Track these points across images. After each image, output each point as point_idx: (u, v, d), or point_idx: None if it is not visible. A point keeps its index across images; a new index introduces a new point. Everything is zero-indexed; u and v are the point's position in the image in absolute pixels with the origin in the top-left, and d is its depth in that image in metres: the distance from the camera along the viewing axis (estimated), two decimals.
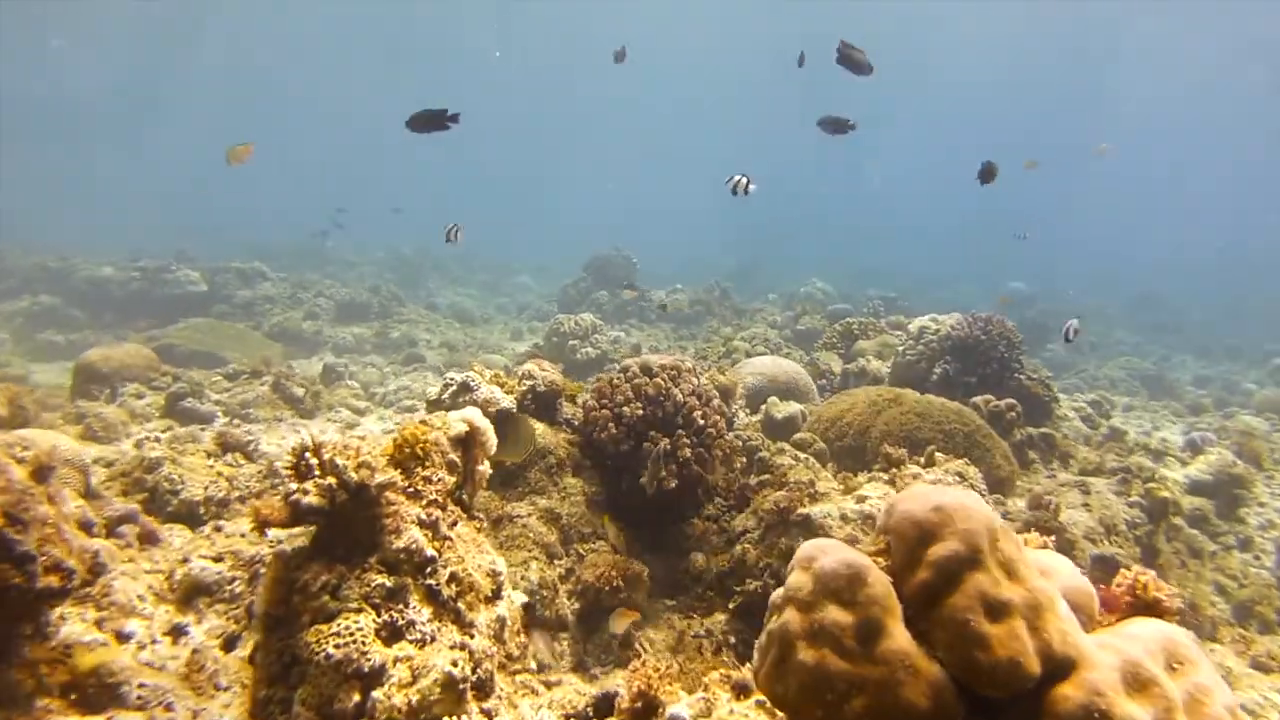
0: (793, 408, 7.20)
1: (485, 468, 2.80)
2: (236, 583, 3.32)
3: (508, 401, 4.73)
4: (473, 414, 2.75)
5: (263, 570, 3.22)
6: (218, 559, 3.33)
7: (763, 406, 7.31)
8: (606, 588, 4.21)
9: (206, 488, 4.75)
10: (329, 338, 15.58)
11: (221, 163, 7.73)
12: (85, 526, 3.38)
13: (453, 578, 2.47)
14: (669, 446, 4.64)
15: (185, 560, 3.31)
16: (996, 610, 1.58)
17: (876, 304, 16.46)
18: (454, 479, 2.67)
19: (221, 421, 7.57)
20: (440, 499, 2.57)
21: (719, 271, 24.22)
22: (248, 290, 17.81)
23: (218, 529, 3.77)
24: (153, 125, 56.80)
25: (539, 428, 4.75)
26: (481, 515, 2.80)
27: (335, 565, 2.34)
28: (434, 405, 4.79)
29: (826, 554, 1.71)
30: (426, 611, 2.38)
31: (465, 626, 2.44)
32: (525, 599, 2.81)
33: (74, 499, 3.48)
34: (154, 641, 2.96)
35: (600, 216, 51.71)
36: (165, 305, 15.88)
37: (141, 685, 2.64)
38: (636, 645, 4.26)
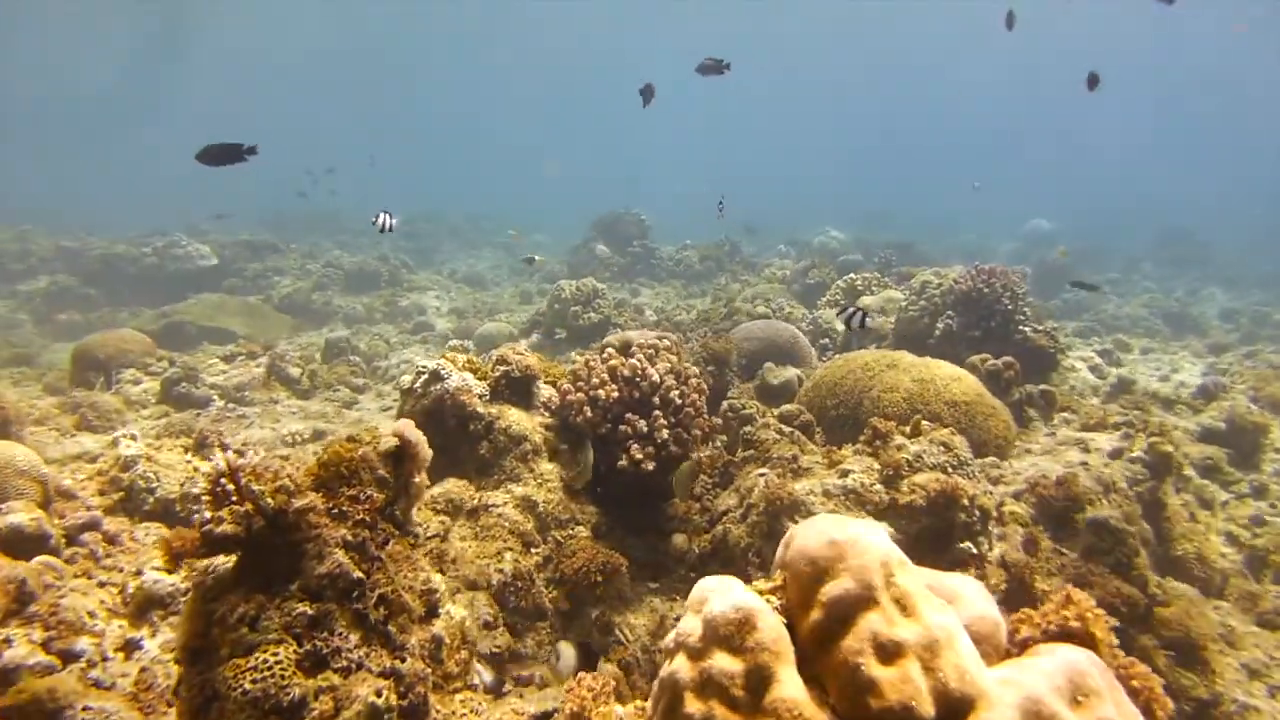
0: (789, 373, 7.08)
1: (421, 479, 2.72)
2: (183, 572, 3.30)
3: (480, 388, 4.66)
4: (404, 426, 2.67)
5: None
6: (171, 570, 3.31)
7: (759, 372, 7.19)
8: (585, 583, 4.16)
9: (183, 484, 4.74)
10: (339, 308, 15.59)
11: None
12: (39, 540, 3.36)
13: (381, 600, 2.41)
14: (645, 429, 4.56)
15: (139, 573, 3.29)
16: (889, 651, 1.49)
17: (888, 254, 16.15)
18: (384, 495, 2.60)
19: (217, 405, 7.59)
20: (369, 518, 2.50)
21: (731, 222, 23.89)
22: (258, 263, 17.87)
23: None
24: (167, 111, 56.79)
25: (513, 414, 4.67)
26: (418, 529, 2.73)
27: (254, 595, 2.29)
28: (407, 394, 4.73)
29: (716, 596, 1.62)
30: (354, 637, 2.33)
31: (396, 650, 2.39)
32: (464, 614, 2.75)
33: (29, 511, 3.46)
34: (104, 659, 2.94)
35: (617, 170, 51.29)
36: (178, 280, 15.99)
37: (86, 709, 2.63)
38: (617, 632, 4.22)
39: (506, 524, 4.31)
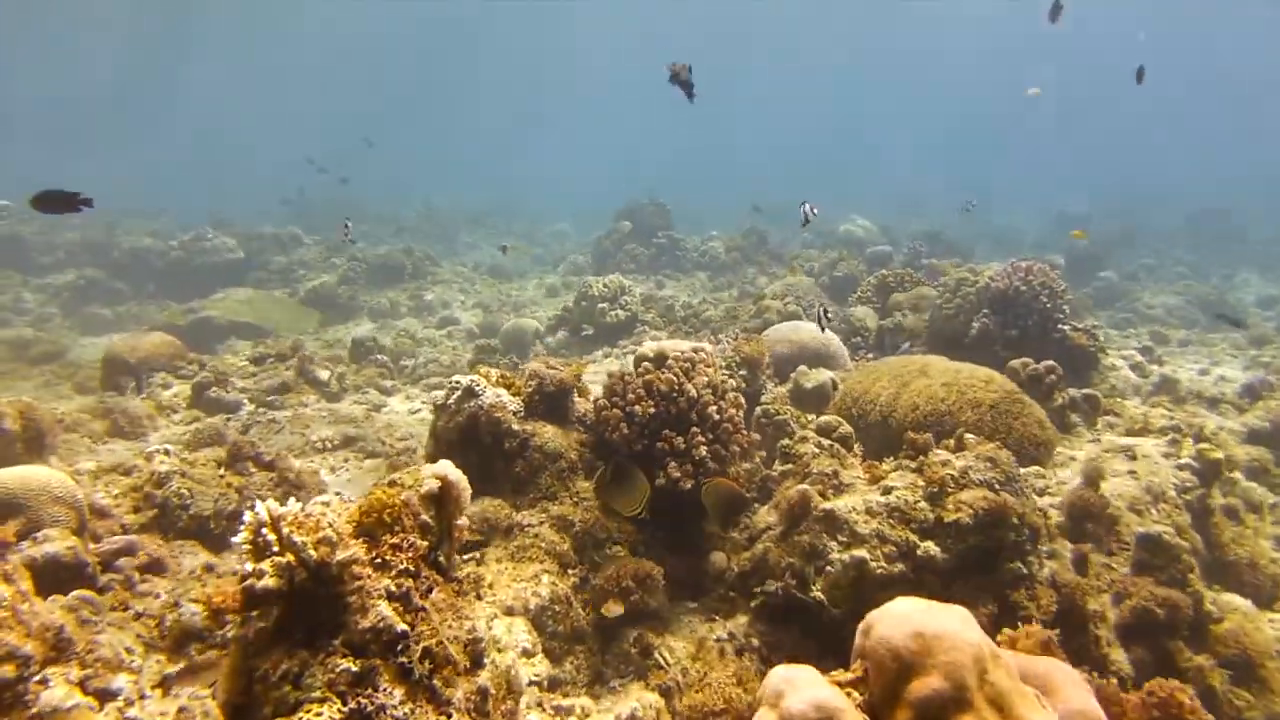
0: (822, 375, 6.95)
1: (464, 521, 2.64)
2: (229, 627, 3.23)
3: (514, 404, 4.57)
4: (445, 468, 2.58)
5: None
6: (213, 625, 3.25)
7: (792, 375, 7.06)
8: (615, 589, 4.07)
9: (216, 500, 4.69)
10: (364, 303, 15.59)
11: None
12: (76, 569, 3.32)
13: (426, 653, 2.33)
14: (683, 447, 4.46)
15: (176, 604, 3.23)
16: None
17: (918, 245, 15.90)
18: (427, 542, 2.52)
19: (248, 410, 7.56)
20: (412, 566, 2.42)
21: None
22: (283, 256, 17.90)
23: (209, 569, 3.69)
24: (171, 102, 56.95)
25: (548, 430, 4.59)
26: (459, 577, 2.64)
27: (297, 651, 2.21)
28: (440, 410, 4.65)
29: (796, 691, 1.52)
30: (398, 693, 2.25)
31: (441, 706, 2.31)
32: (510, 659, 2.67)
33: (65, 540, 3.41)
34: (142, 697, 2.89)
35: (641, 158, 51.00)
36: (204, 274, 16.04)
37: None
38: (656, 655, 4.14)
39: (543, 544, 4.23)
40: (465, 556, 3.93)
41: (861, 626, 1.63)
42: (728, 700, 3.75)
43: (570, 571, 4.26)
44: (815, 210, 6.20)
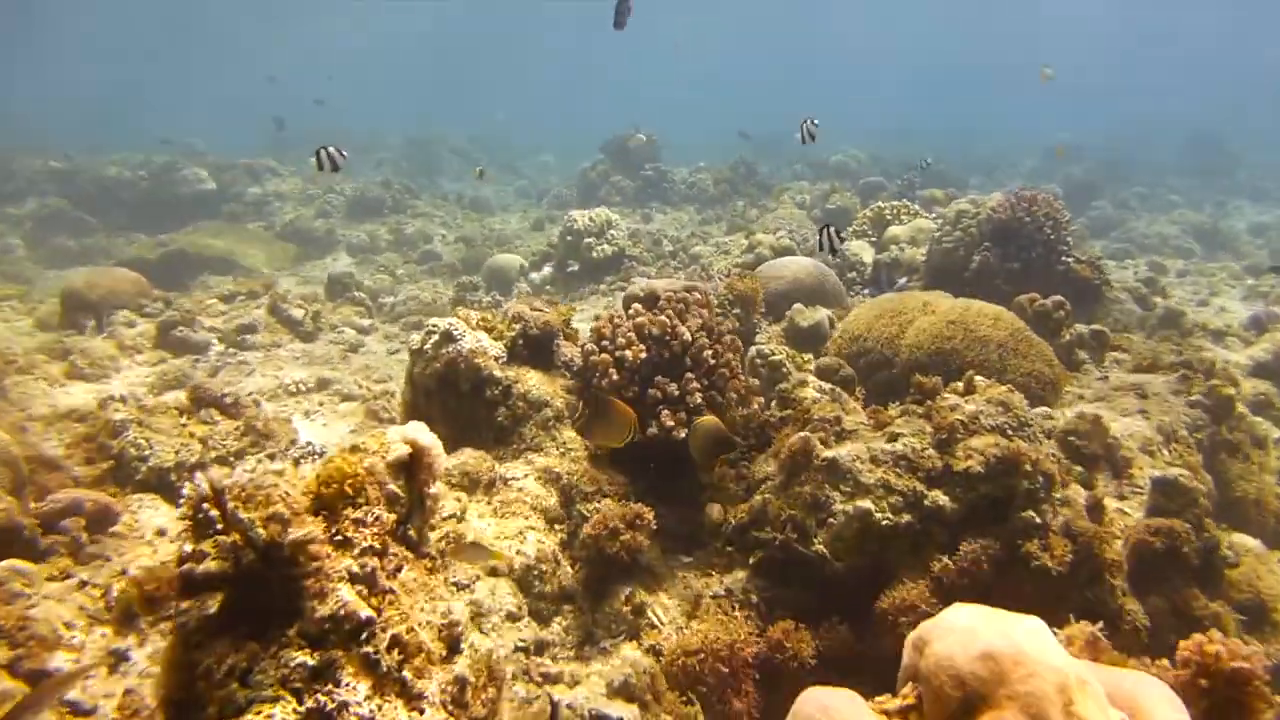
0: (819, 314, 6.65)
1: (438, 489, 2.34)
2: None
3: (496, 349, 4.25)
4: (415, 431, 2.28)
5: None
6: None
7: (787, 314, 6.76)
8: (604, 531, 3.80)
9: (178, 452, 4.39)
10: (342, 236, 15.10)
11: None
12: (9, 533, 3.02)
13: (395, 641, 2.05)
14: (677, 393, 4.16)
15: (124, 572, 2.94)
16: None
17: (912, 176, 15.46)
18: (395, 515, 2.22)
19: (217, 350, 7.20)
20: (377, 543, 2.13)
21: (743, 142, 23.03)
22: (258, 187, 17.33)
23: (160, 533, 3.39)
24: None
25: (533, 377, 4.28)
26: (433, 552, 2.35)
27: (245, 643, 1.93)
28: (416, 356, 4.33)
29: None
30: (364, 687, 1.98)
31: (414, 700, 2.04)
32: (490, 645, 2.40)
33: None
34: (85, 677, 2.61)
35: (628, 88, 49.79)
36: (175, 205, 15.49)
37: None
38: (649, 613, 3.90)
39: (528, 499, 3.96)
40: (445, 514, 3.65)
41: (912, 639, 1.34)
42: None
43: (558, 527, 4.00)
44: (816, 124, 5.80)
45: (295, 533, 1.98)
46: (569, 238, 10.61)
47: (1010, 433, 4.26)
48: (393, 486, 2.22)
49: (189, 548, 1.95)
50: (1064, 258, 8.05)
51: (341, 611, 1.99)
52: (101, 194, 15.68)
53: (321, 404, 6.35)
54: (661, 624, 3.86)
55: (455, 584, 3.38)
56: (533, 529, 3.81)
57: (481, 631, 3.31)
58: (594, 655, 3.69)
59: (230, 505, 1.97)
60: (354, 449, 2.18)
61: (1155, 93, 43.92)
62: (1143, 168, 25.11)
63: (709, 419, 4.05)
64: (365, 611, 2.03)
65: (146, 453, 4.31)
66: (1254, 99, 40.52)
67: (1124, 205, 19.61)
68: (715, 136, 24.05)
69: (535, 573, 3.66)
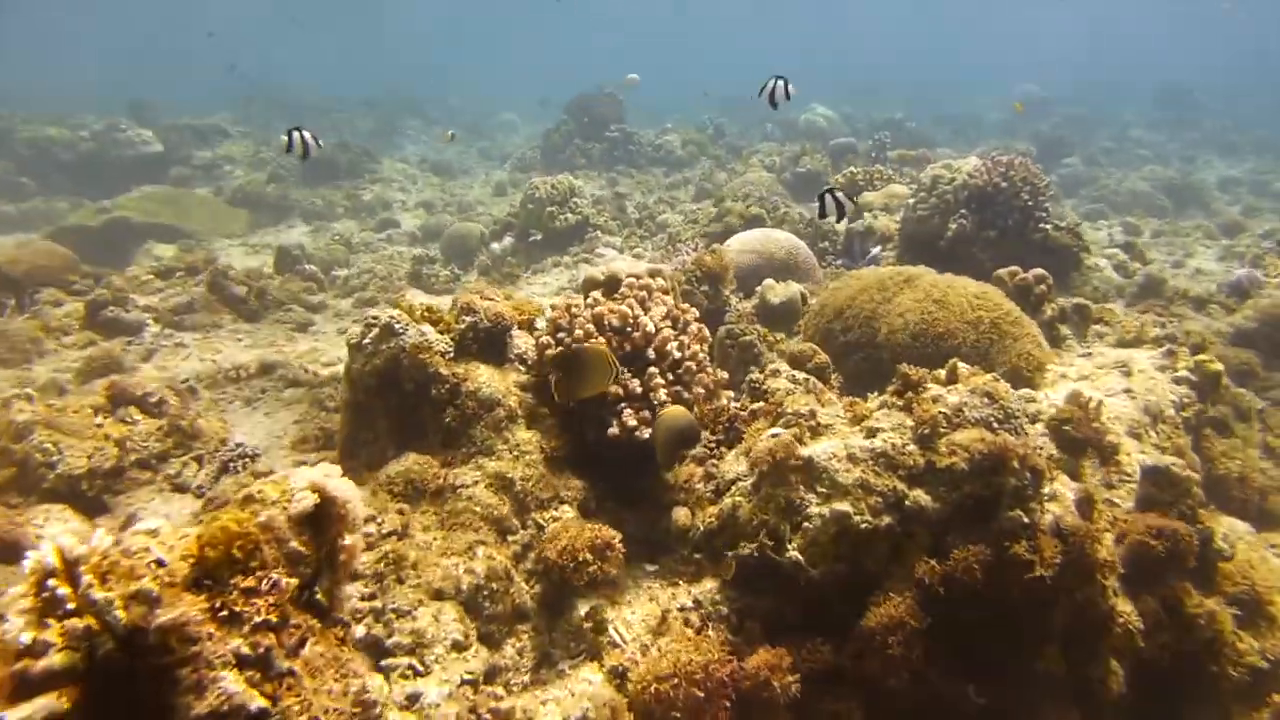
0: (790, 289, 6.32)
1: (354, 540, 2.00)
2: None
3: (442, 344, 3.89)
4: (324, 477, 1.93)
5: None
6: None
7: (757, 290, 6.43)
8: (571, 564, 3.49)
9: (91, 456, 4.00)
10: (295, 202, 14.49)
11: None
12: None
13: None
14: (639, 390, 3.83)
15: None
16: None
17: (884, 137, 15.08)
18: (298, 578, 1.88)
19: (151, 332, 6.74)
20: (274, 616, 1.79)
21: (710, 101, 22.48)
22: (207, 150, 16.65)
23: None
24: None
25: (483, 373, 3.92)
26: (348, 617, 2.01)
27: None
28: (355, 351, 3.95)
29: None
30: None
31: None
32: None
33: None
34: None
35: (593, 44, 48.75)
36: (119, 168, 14.80)
37: None
38: (611, 630, 3.60)
39: (478, 508, 3.63)
40: (385, 531, 3.31)
41: None
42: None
43: (511, 538, 3.68)
44: (791, 89, 5.40)
45: (166, 615, 1.63)
46: (530, 206, 10.17)
47: (996, 425, 3.98)
48: (295, 544, 1.87)
49: (27, 637, 1.60)
50: (1042, 224, 7.79)
51: (225, 707, 1.66)
52: (39, 156, 14.92)
53: (265, 391, 5.95)
54: (624, 642, 3.56)
55: (396, 610, 3.06)
56: (483, 543, 3.48)
57: (423, 665, 2.99)
58: (551, 679, 3.40)
59: (85, 581, 1.62)
60: (247, 500, 1.83)
61: (1122, 42, 43.59)
62: (1111, 121, 24.94)
63: (675, 409, 3.74)
64: (256, 703, 1.70)
65: (55, 458, 3.92)
66: (1218, 50, 40.34)
67: (1094, 162, 19.42)
68: (686, 93, 23.47)
69: (485, 593, 3.35)
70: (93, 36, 45.02)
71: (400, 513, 3.46)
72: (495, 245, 10.32)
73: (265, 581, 1.79)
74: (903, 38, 50.90)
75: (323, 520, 1.94)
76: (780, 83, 5.40)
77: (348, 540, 1.99)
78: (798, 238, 7.94)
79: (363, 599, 3.05)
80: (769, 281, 6.40)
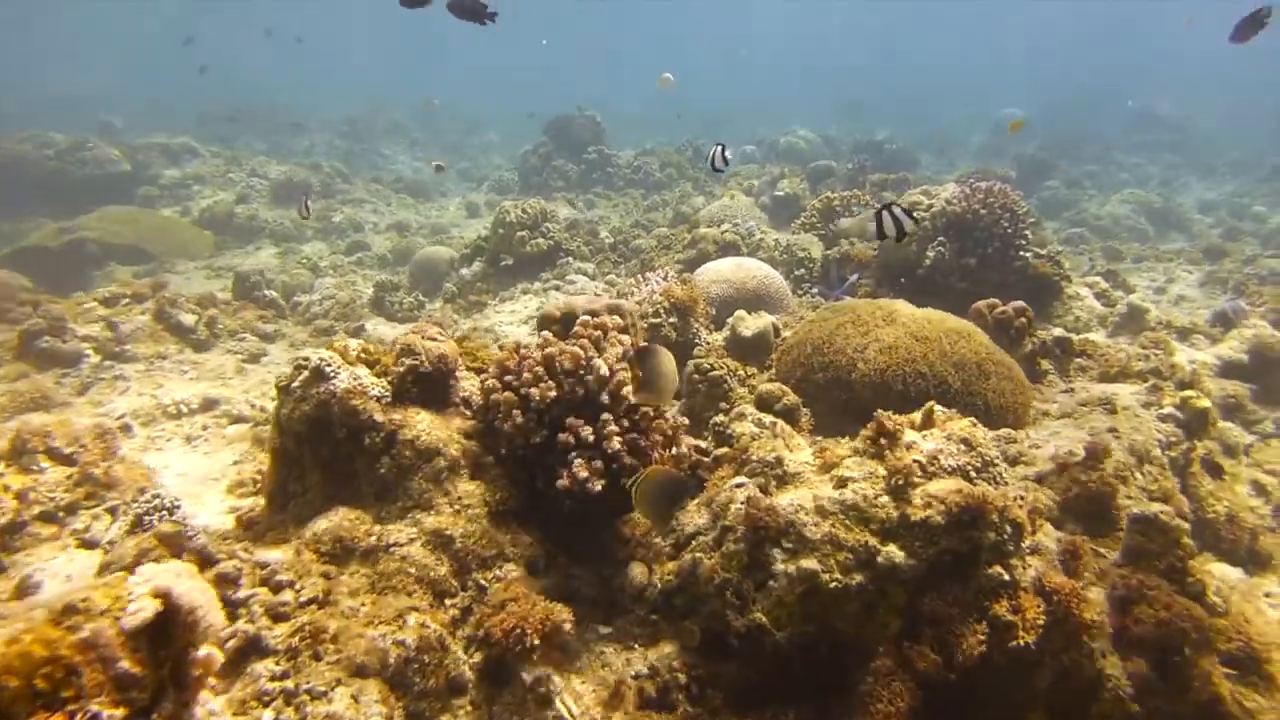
0: (762, 321, 6.06)
1: (209, 654, 1.70)
2: None
3: (378, 388, 3.59)
4: (170, 578, 1.63)
5: None
6: None
7: (728, 322, 6.17)
8: (517, 647, 3.18)
9: None
10: (264, 224, 14.15)
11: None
12: None
13: None
14: (592, 438, 3.54)
15: None
16: None
17: (862, 159, 14.92)
18: (125, 709, 1.57)
19: (91, 363, 6.39)
20: None
21: (695, 122, 22.37)
22: (175, 169, 16.29)
23: None
24: None
25: (422, 420, 3.62)
26: None
27: None
28: (285, 394, 3.64)
29: None
30: None
31: None
32: None
33: None
34: None
35: (575, 63, 48.65)
36: (84, 187, 14.43)
37: None
38: (559, 704, 3.29)
39: (413, 569, 3.32)
40: (304, 599, 3.00)
41: None
42: None
43: (449, 601, 3.37)
44: (729, 155, 5.28)
45: None
46: (501, 230, 9.89)
47: (974, 474, 3.72)
48: (127, 664, 1.56)
49: None
50: (1022, 252, 7.58)
51: None
52: (1, 174, 14.52)
53: (206, 427, 5.61)
54: (573, 717, 3.26)
55: (310, 692, 2.75)
56: (415, 609, 3.17)
57: None
58: None
59: None
60: (67, 611, 1.52)
61: (1098, 67, 43.84)
62: (1092, 142, 24.97)
63: (657, 470, 3.46)
64: None
65: None
66: (1181, 72, 40.58)
67: (1076, 184, 19.37)
68: (662, 111, 23.32)
69: (415, 666, 3.03)
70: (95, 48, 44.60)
71: (325, 576, 3.15)
72: (464, 271, 10.02)
73: (85, 714, 1.48)
74: (888, 55, 51.14)
75: (169, 631, 1.63)
76: (719, 149, 5.26)
77: (201, 653, 1.69)
78: (771, 266, 7.70)
79: (273, 679, 2.73)
80: (740, 313, 6.14)
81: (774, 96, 33.91)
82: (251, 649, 2.80)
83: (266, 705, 2.68)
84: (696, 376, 5.37)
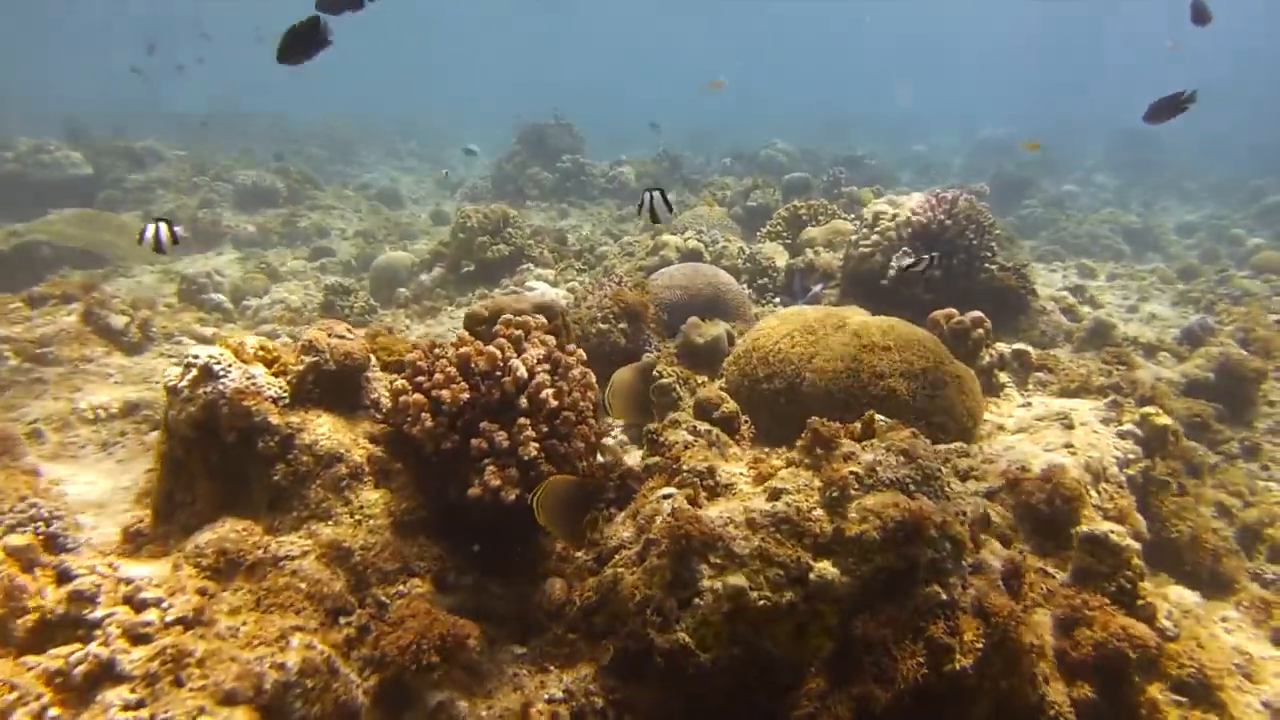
0: (717, 329, 5.86)
1: None
2: None
3: (274, 388, 3.35)
4: None
5: None
6: None
7: (681, 329, 5.96)
8: (414, 665, 2.94)
9: None
10: (228, 228, 13.86)
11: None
12: None
13: None
14: (507, 444, 3.31)
15: None
16: None
17: (837, 171, 14.79)
18: None
19: (10, 365, 6.10)
20: None
21: (675, 135, 22.21)
22: (139, 174, 15.97)
23: None
24: None
25: (323, 424, 3.38)
26: None
27: None
28: (173, 394, 3.40)
29: None
30: None
31: None
32: None
33: None
34: None
35: (554, 75, 48.53)
36: (45, 191, 14.07)
37: None
38: None
39: (303, 584, 3.07)
40: (171, 619, 2.75)
41: None
42: None
43: (344, 620, 3.12)
44: (671, 198, 5.09)
45: None
46: (461, 235, 9.66)
47: (913, 488, 3.51)
48: None
49: None
50: (987, 264, 7.42)
51: None
52: None
53: (124, 434, 5.34)
54: None
55: None
56: (300, 630, 2.92)
57: None
58: None
59: None
60: None
61: (1077, 89, 44.09)
62: (1071, 163, 24.96)
63: (560, 479, 3.22)
64: None
65: None
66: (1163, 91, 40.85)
67: (1055, 204, 19.33)
68: (642, 125, 23.17)
69: (297, 692, 2.78)
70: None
71: (202, 593, 2.89)
72: (424, 276, 9.78)
73: None
74: (879, 74, 51.32)
75: None
76: (657, 194, 5.06)
77: None
78: (734, 274, 7.52)
79: (125, 708, 2.48)
80: (693, 320, 5.93)
81: (757, 113, 33.94)
82: (104, 675, 2.54)
83: None
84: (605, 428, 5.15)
